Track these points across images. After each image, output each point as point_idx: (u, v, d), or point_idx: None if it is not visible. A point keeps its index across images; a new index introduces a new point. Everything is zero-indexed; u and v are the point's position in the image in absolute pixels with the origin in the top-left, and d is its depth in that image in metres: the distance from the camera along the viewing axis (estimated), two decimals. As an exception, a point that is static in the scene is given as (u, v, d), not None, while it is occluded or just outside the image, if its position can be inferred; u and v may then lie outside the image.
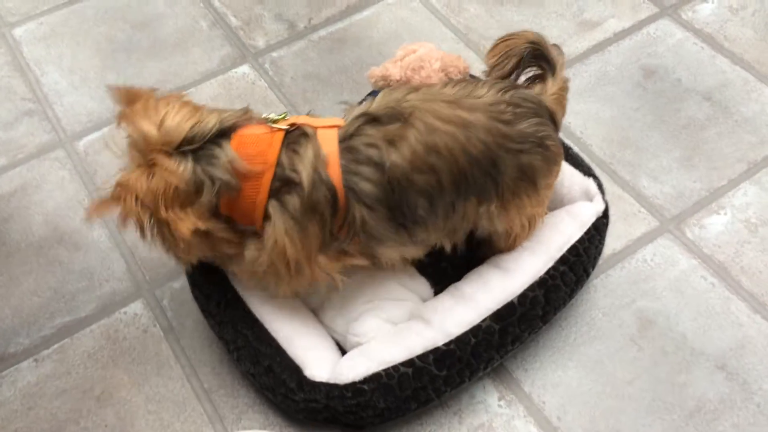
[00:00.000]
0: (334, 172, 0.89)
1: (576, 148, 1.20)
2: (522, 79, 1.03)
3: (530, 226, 1.03)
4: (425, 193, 0.91)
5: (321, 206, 0.89)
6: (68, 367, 1.09)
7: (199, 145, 0.88)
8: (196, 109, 0.92)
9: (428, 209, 0.92)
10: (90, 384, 1.07)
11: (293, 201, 0.89)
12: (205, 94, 1.42)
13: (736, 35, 1.47)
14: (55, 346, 1.11)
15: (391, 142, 0.89)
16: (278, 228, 0.90)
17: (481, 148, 0.91)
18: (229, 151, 0.88)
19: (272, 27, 1.53)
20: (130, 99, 0.91)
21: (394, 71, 1.18)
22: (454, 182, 0.91)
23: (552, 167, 0.98)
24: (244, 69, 1.46)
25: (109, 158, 1.33)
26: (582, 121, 1.35)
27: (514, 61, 1.01)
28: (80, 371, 1.09)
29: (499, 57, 1.01)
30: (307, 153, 0.89)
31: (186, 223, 0.87)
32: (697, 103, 1.37)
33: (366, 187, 0.90)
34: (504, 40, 1.02)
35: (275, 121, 0.92)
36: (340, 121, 0.94)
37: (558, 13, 1.52)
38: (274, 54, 1.49)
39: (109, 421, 1.04)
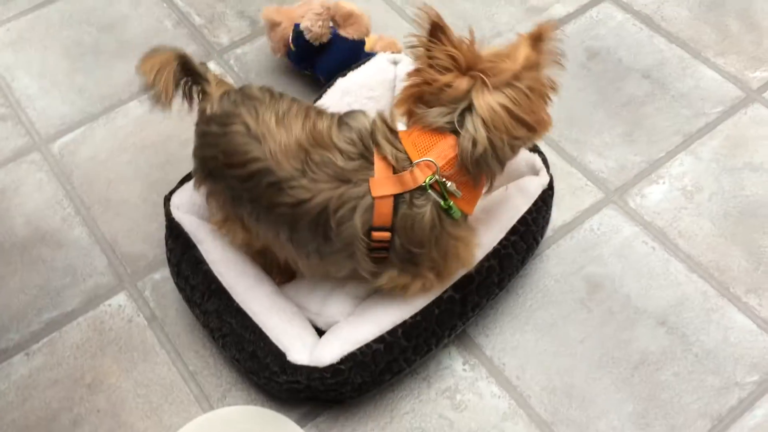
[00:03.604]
0: None
1: (525, 129, 1.28)
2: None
3: None
4: None
5: None
6: (59, 359, 1.13)
7: None
8: None
9: None
10: (80, 373, 1.12)
11: None
12: (173, 93, 1.47)
13: (672, 15, 1.56)
14: (45, 339, 1.15)
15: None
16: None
17: None
18: None
19: (235, 24, 1.58)
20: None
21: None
22: None
23: None
24: (211, 66, 1.50)
25: (84, 159, 1.39)
26: (532, 103, 1.43)
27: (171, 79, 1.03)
28: (70, 362, 1.13)
29: (155, 75, 1.03)
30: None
31: None
32: (637, 81, 1.45)
33: None
34: (150, 57, 1.05)
35: None
36: None
37: (506, 1, 1.60)
38: (239, 50, 1.53)
39: (101, 406, 1.09)
